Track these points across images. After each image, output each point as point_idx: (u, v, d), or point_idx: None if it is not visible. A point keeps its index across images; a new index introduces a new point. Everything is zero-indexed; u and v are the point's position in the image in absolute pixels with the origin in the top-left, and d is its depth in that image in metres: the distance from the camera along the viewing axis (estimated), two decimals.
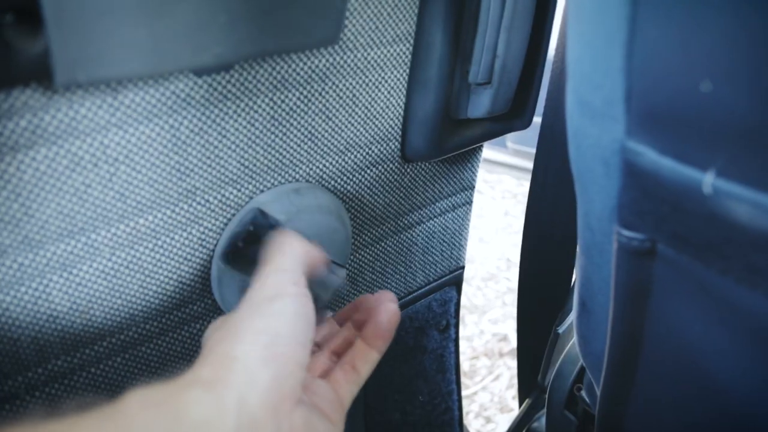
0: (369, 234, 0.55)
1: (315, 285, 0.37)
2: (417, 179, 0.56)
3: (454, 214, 0.62)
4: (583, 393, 0.59)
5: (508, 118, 0.57)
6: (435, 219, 0.61)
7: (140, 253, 0.41)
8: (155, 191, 0.40)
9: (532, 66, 0.54)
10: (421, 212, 0.59)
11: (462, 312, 2.18)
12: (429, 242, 0.62)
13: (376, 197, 0.54)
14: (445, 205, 0.61)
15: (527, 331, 0.80)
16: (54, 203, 0.36)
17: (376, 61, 0.47)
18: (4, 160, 0.33)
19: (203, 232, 0.43)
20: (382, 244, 0.57)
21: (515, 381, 1.80)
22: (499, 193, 2.98)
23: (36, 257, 0.37)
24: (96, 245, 0.39)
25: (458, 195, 0.61)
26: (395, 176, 0.54)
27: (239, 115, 0.41)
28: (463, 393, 1.82)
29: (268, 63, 0.41)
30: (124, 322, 0.42)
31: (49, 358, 0.40)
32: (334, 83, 0.45)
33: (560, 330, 0.70)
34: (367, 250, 0.56)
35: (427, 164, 0.57)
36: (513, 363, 1.92)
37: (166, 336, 0.45)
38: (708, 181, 0.27)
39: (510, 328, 2.09)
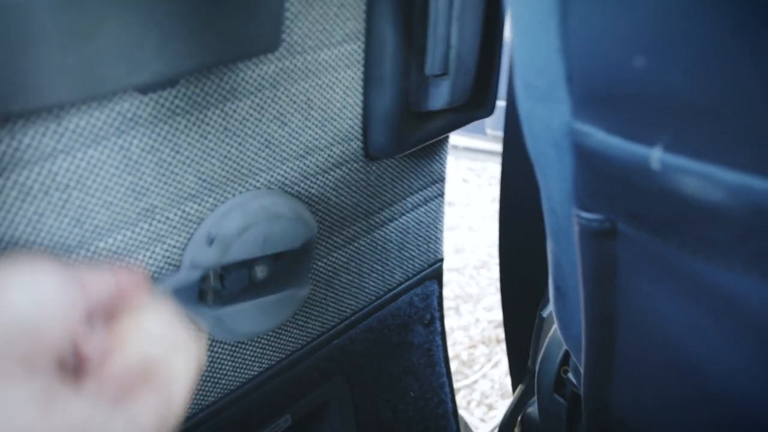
0: (340, 235, 0.55)
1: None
2: (384, 176, 0.56)
3: (426, 207, 0.62)
4: (570, 375, 0.59)
5: (470, 107, 0.56)
6: (407, 214, 0.60)
7: None
8: (112, 213, 0.39)
9: (489, 52, 0.54)
10: (392, 209, 0.58)
11: (456, 302, 2.18)
12: (404, 238, 0.61)
13: (343, 198, 0.53)
14: (416, 200, 0.60)
15: (513, 317, 0.80)
16: (7, 235, 0.35)
17: (327, 62, 0.46)
18: None
19: (167, 250, 0.43)
20: (355, 244, 0.57)
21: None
22: (485, 180, 2.98)
23: None
24: None
25: (428, 188, 0.61)
26: (361, 175, 0.54)
27: (191, 130, 0.41)
28: (463, 382, 1.83)
29: (214, 74, 0.40)
30: None
31: None
32: (286, 88, 0.45)
33: (544, 314, 0.70)
34: (341, 252, 0.55)
35: (393, 160, 0.56)
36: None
37: None
38: (656, 156, 0.26)
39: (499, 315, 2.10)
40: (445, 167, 0.62)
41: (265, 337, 0.52)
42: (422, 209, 0.62)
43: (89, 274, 0.29)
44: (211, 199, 0.44)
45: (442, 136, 0.57)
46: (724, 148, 0.24)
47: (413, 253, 0.63)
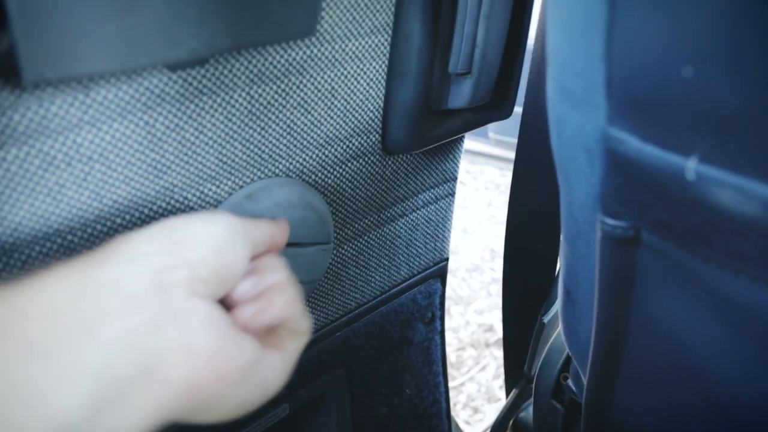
0: (351, 228, 0.55)
1: None
2: (399, 171, 0.56)
3: (436, 205, 0.62)
4: (570, 382, 0.59)
5: (489, 108, 0.56)
6: (418, 211, 0.60)
7: None
8: (132, 190, 0.39)
9: (512, 55, 0.54)
10: (404, 205, 0.58)
11: (447, 303, 2.18)
12: (412, 234, 0.61)
13: (357, 190, 0.53)
14: (428, 197, 0.60)
15: (513, 321, 0.80)
16: (27, 204, 0.35)
17: (354, 53, 0.46)
18: None
19: None
20: (365, 237, 0.56)
21: (502, 371, 1.81)
22: (482, 183, 2.98)
23: (10, 260, 0.36)
24: (72, 246, 0.38)
25: (440, 186, 0.61)
26: (376, 169, 0.54)
27: (216, 111, 0.40)
28: (450, 384, 1.83)
29: (244, 57, 0.40)
30: None
31: None
32: (312, 76, 0.45)
33: (545, 319, 0.70)
34: (350, 244, 0.55)
35: (408, 156, 0.56)
36: (499, 353, 1.93)
37: None
38: (691, 167, 0.26)
39: (496, 318, 2.10)
40: (458, 167, 0.62)
41: None
42: (433, 207, 0.62)
43: (256, 226, 0.35)
44: (230, 182, 0.44)
45: (458, 135, 0.57)
46: (761, 161, 0.25)
47: (420, 251, 0.63)
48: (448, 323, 2.07)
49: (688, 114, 0.26)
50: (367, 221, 0.56)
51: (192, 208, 0.42)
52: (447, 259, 0.67)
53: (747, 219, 0.25)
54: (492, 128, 2.80)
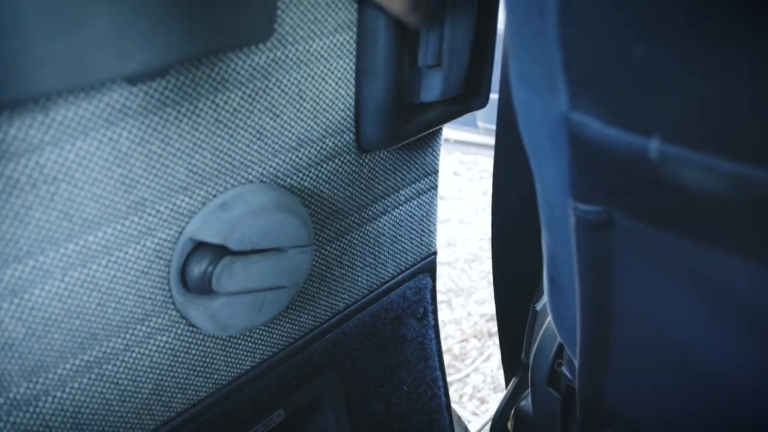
0: (333, 228, 0.54)
1: None
2: (377, 169, 0.55)
3: (419, 200, 0.61)
4: (564, 369, 0.59)
5: (463, 99, 0.56)
6: (400, 207, 0.60)
7: (94, 271, 0.40)
8: (101, 206, 0.38)
9: (482, 43, 0.53)
10: (385, 202, 0.58)
11: (448, 295, 2.18)
12: (396, 231, 0.61)
13: (335, 191, 0.53)
14: (409, 193, 0.60)
15: (506, 311, 0.80)
16: None
17: (319, 53, 0.46)
18: None
19: (158, 243, 0.42)
20: (348, 237, 0.56)
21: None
22: (476, 173, 2.98)
23: None
24: (46, 267, 0.37)
25: (421, 181, 0.61)
26: (353, 168, 0.53)
27: (181, 121, 0.40)
28: (456, 376, 1.83)
29: (205, 65, 0.39)
30: (86, 342, 0.41)
31: (9, 386, 0.38)
32: (277, 79, 0.44)
33: (538, 307, 0.70)
34: (333, 245, 0.55)
35: (385, 153, 0.56)
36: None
37: (132, 351, 0.44)
38: (654, 147, 0.26)
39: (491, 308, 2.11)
40: (438, 159, 0.61)
41: (257, 331, 0.52)
42: (415, 202, 0.61)
43: None
44: (202, 192, 0.43)
45: (435, 128, 0.56)
46: (723, 138, 0.24)
47: (406, 246, 0.63)
48: (450, 315, 2.07)
49: (645, 94, 0.25)
50: (348, 221, 0.55)
51: (165, 221, 0.42)
52: (435, 253, 0.67)
53: (713, 196, 0.25)
54: (480, 117, 2.79)
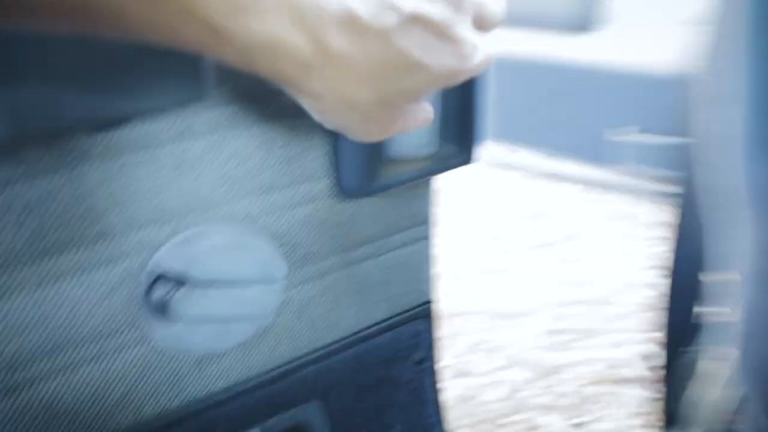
0: (312, 268, 0.58)
1: None
2: (359, 215, 0.58)
3: (410, 248, 0.63)
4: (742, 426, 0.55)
5: (445, 155, 0.57)
6: (388, 254, 0.62)
7: (64, 287, 0.46)
8: (70, 233, 0.45)
9: (461, 97, 0.55)
10: (370, 247, 0.60)
11: (570, 336, 2.08)
12: (386, 276, 0.63)
13: (313, 233, 0.56)
14: (398, 240, 0.62)
15: (667, 357, 0.78)
16: None
17: (292, 104, 0.50)
18: None
19: (125, 270, 0.48)
20: (330, 278, 0.59)
21: (631, 410, 1.71)
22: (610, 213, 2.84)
23: None
24: (20, 279, 0.44)
25: (411, 230, 0.62)
26: (331, 212, 0.56)
27: (143, 165, 0.46)
28: (574, 421, 1.74)
29: (166, 116, 0.45)
30: (57, 346, 0.47)
31: None
32: (245, 128, 0.49)
33: (699, 356, 0.67)
34: (313, 284, 0.58)
35: (369, 200, 0.58)
36: (631, 391, 1.83)
37: (104, 361, 0.50)
38: None
39: (625, 353, 1.99)
40: (429, 209, 0.63)
41: (230, 354, 0.56)
42: (406, 250, 0.63)
43: None
44: (168, 228, 0.49)
45: (419, 180, 0.58)
46: None
47: (398, 292, 0.64)
48: (572, 357, 1.97)
49: None
50: (329, 262, 0.59)
51: (131, 252, 0.48)
52: (430, 302, 0.68)
53: None
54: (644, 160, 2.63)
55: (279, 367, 0.59)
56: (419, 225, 0.63)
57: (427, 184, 0.61)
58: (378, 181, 0.55)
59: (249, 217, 0.52)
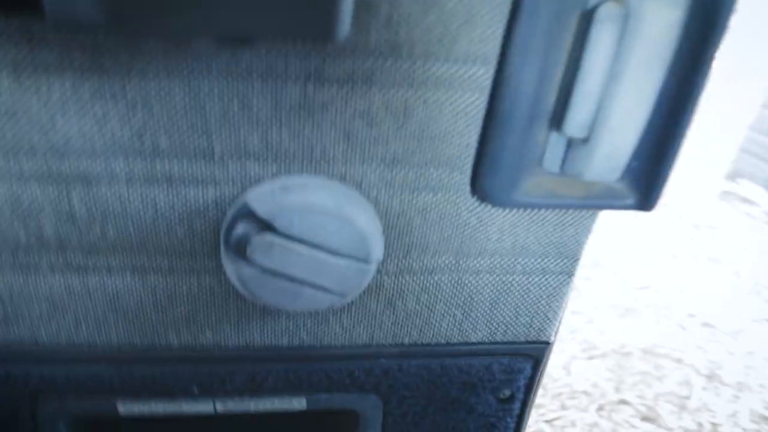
0: (418, 262, 0.50)
1: None
2: (490, 223, 0.49)
3: (542, 279, 0.53)
4: None
5: (619, 191, 0.45)
6: (513, 276, 0.52)
7: (155, 191, 0.44)
8: (173, 139, 0.42)
9: (665, 131, 0.42)
10: (493, 261, 0.51)
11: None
12: (500, 298, 0.54)
13: (429, 225, 0.48)
14: (531, 266, 0.52)
15: None
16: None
17: (438, 77, 0.41)
18: None
19: (218, 194, 0.45)
20: (436, 277, 0.51)
21: None
22: None
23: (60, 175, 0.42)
24: (111, 174, 0.43)
25: (551, 260, 0.52)
26: (458, 210, 0.48)
27: (264, 95, 0.41)
28: None
29: (298, 51, 0.39)
30: (132, 245, 0.46)
31: (65, 249, 0.46)
32: (380, 90, 0.42)
33: None
34: (414, 278, 0.51)
35: (508, 211, 0.49)
36: None
37: (173, 276, 0.48)
38: None
39: None
40: (581, 245, 0.51)
41: (300, 318, 0.52)
42: (536, 279, 0.53)
43: None
44: (274, 166, 0.44)
45: (578, 208, 0.47)
46: None
47: (509, 319, 0.55)
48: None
49: None
50: (439, 261, 0.51)
51: (230, 178, 0.44)
52: (547, 344, 0.57)
53: None
54: None
55: (348, 347, 0.54)
56: (561, 259, 0.52)
57: (588, 216, 0.50)
58: (522, 195, 0.45)
59: (367, 186, 0.46)
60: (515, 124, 0.42)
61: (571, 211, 0.49)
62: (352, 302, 0.52)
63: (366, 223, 0.45)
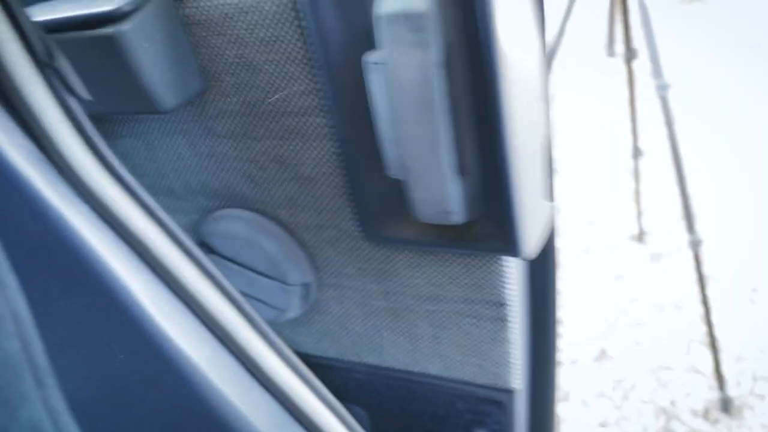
0: (330, 291, 0.55)
1: None
2: (402, 263, 0.50)
3: (481, 324, 0.51)
4: None
5: (491, 234, 0.43)
6: (458, 317, 0.52)
7: None
8: (149, 183, 0.57)
9: (494, 173, 0.39)
10: (431, 306, 0.52)
11: None
12: (440, 334, 0.53)
13: (342, 257, 0.53)
14: (462, 309, 0.51)
15: None
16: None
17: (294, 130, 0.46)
18: None
19: (189, 223, 0.58)
20: (377, 302, 0.55)
21: None
22: None
23: None
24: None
25: (478, 305, 0.49)
26: (362, 249, 0.51)
27: (178, 149, 0.52)
28: None
29: (199, 115, 0.50)
30: None
31: None
32: (256, 141, 0.49)
33: None
34: (343, 303, 0.55)
35: (418, 254, 0.49)
36: None
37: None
38: None
39: None
40: (501, 291, 0.48)
41: (283, 327, 0.61)
42: (474, 321, 0.51)
43: None
44: (217, 202, 0.55)
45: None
46: None
47: (456, 357, 0.54)
48: None
49: None
50: (365, 290, 0.54)
51: (188, 211, 0.56)
52: (510, 392, 0.53)
53: None
54: None
55: (328, 360, 0.61)
56: (485, 303, 0.49)
57: (498, 262, 0.46)
58: (391, 233, 0.46)
59: (276, 218, 0.53)
60: (358, 169, 0.44)
61: (482, 258, 0.47)
62: (304, 318, 0.59)
63: (275, 249, 0.53)
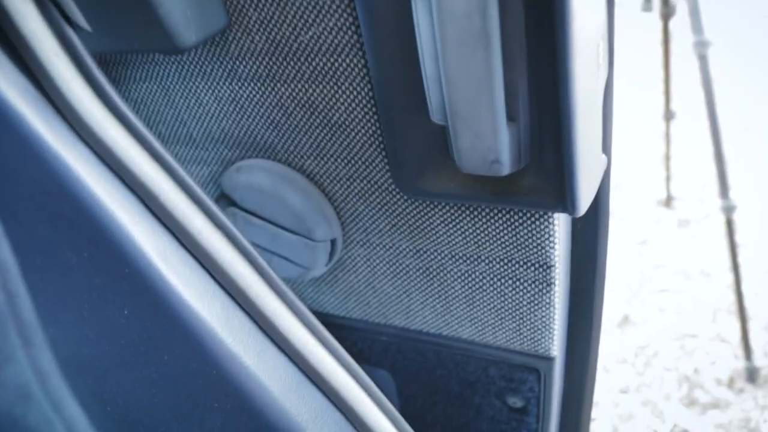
0: (356, 248, 0.51)
1: None
2: (433, 218, 0.47)
3: (521, 287, 0.47)
4: None
5: (539, 189, 0.39)
6: (485, 279, 0.48)
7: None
8: (167, 130, 0.53)
9: (551, 121, 0.35)
10: (467, 266, 0.48)
11: None
12: (476, 297, 0.50)
13: (372, 211, 0.49)
14: (505, 271, 0.47)
15: None
16: None
17: (327, 70, 0.42)
18: None
19: (210, 173, 0.54)
20: (406, 261, 0.51)
21: None
22: None
23: None
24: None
25: (519, 267, 0.46)
26: (394, 201, 0.47)
27: (195, 95, 0.48)
28: None
29: (225, 56, 0.46)
30: None
31: None
32: (286, 84, 0.45)
33: None
34: (369, 260, 0.52)
35: (450, 208, 0.46)
36: None
37: None
38: None
39: None
40: (549, 252, 0.44)
41: (304, 284, 0.58)
42: (516, 286, 0.47)
43: None
44: (237, 152, 0.51)
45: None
46: None
47: (490, 321, 0.51)
48: None
49: None
50: (402, 246, 0.50)
51: (208, 161, 0.53)
52: (549, 359, 0.50)
53: None
54: None
55: (346, 318, 0.58)
56: (529, 266, 0.46)
57: (546, 220, 0.43)
58: (429, 186, 0.43)
59: (303, 170, 0.49)
60: (396, 114, 0.40)
61: (527, 215, 0.43)
62: (325, 276, 0.55)
63: (300, 203, 0.49)
